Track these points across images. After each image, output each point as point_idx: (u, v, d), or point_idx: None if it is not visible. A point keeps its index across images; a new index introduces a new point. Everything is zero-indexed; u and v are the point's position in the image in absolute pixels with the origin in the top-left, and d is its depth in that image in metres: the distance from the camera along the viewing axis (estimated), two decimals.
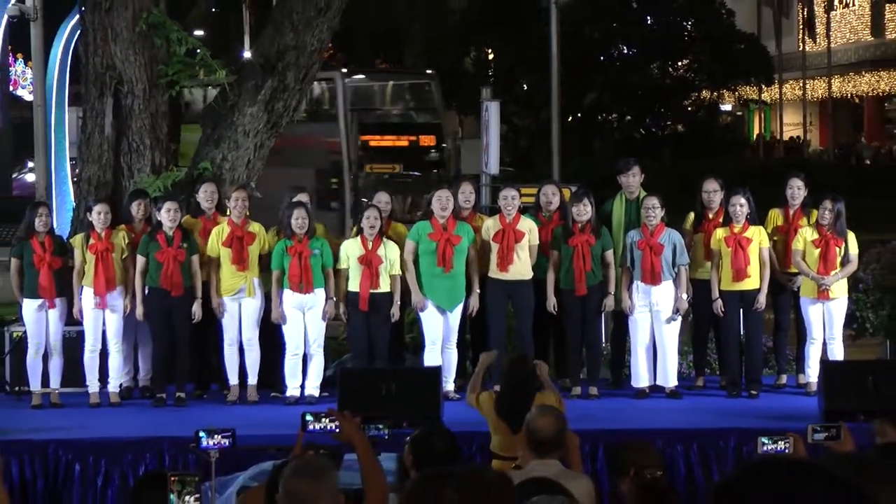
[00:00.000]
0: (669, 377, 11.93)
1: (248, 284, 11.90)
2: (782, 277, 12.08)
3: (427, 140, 26.99)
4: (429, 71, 29.65)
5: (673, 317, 11.87)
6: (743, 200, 11.88)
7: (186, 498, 5.79)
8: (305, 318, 11.82)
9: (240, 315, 11.98)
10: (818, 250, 11.79)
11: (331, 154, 25.06)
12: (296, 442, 6.56)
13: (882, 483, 2.54)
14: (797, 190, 12.29)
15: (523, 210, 12.29)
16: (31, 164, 27.23)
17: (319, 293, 11.80)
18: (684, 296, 11.87)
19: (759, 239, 11.87)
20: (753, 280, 11.86)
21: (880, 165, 47.31)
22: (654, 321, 11.87)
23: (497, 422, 8.64)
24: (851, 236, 11.95)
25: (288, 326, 11.81)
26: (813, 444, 6.71)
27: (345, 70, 26.79)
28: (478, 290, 11.86)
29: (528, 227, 11.92)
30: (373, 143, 26.28)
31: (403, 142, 26.85)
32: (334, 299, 11.83)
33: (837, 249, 11.80)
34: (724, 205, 12.09)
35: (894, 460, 6.44)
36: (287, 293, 11.76)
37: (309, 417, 6.35)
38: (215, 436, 6.77)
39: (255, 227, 12.04)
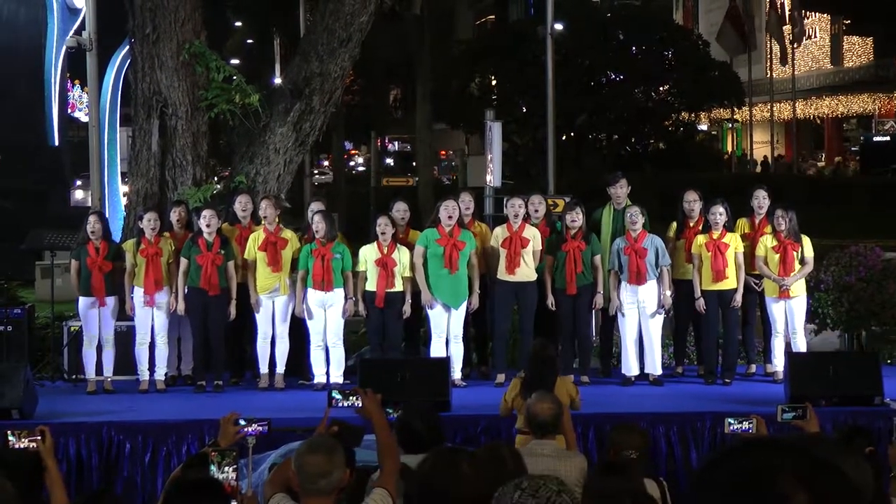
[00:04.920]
0: (655, 366, 11.93)
1: (281, 284, 11.93)
2: (750, 280, 12.10)
3: None
4: None
5: (658, 311, 11.88)
6: (722, 210, 11.90)
7: (226, 469, 5.79)
8: (326, 314, 11.84)
9: (273, 311, 12.00)
10: (778, 255, 11.83)
11: None
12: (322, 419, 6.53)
13: (842, 457, 2.53)
14: (762, 200, 12.33)
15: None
16: (78, 183, 27.18)
17: (339, 292, 11.82)
18: (668, 293, 11.88)
19: (735, 245, 11.89)
20: (731, 281, 11.88)
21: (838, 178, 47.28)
22: (641, 317, 11.88)
23: (522, 402, 8.64)
24: (806, 240, 11.98)
25: (312, 321, 11.83)
26: (782, 423, 6.70)
27: None
28: (477, 291, 11.89)
29: (533, 234, 11.95)
30: None
31: None
32: (353, 298, 11.86)
33: (795, 253, 11.84)
34: (702, 214, 12.12)
35: (855, 441, 6.51)
36: (310, 291, 11.78)
37: (337, 396, 6.29)
38: (253, 424, 6.75)
39: (287, 233, 12.07)
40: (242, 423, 6.66)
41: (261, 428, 6.78)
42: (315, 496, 4.60)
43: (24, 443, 5.83)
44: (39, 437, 5.74)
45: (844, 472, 2.08)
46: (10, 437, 5.87)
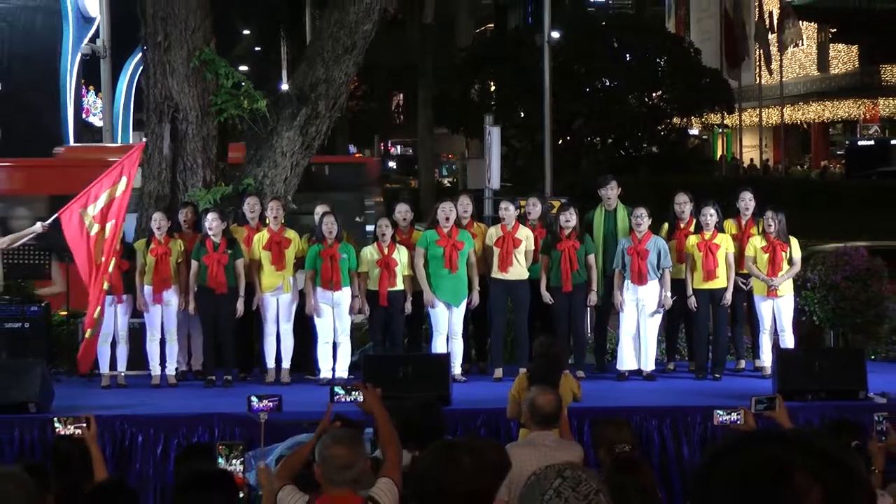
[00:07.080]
0: (649, 362, 11.96)
1: (284, 283, 11.96)
2: (738, 279, 12.12)
3: None
4: None
5: (657, 311, 11.91)
6: (712, 211, 11.94)
7: (233, 461, 5.81)
8: (334, 312, 11.87)
9: (277, 309, 12.02)
10: (767, 255, 11.86)
11: None
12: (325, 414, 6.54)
13: (844, 450, 2.53)
14: (748, 201, 12.36)
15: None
16: None
17: (346, 291, 11.85)
18: (668, 294, 11.90)
19: (726, 245, 11.92)
20: (721, 280, 11.91)
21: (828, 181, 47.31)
22: (640, 315, 11.88)
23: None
24: (794, 242, 12.02)
25: (320, 319, 11.86)
26: (756, 414, 6.80)
27: None
28: (477, 288, 11.92)
29: (525, 235, 12.00)
30: None
31: None
32: (359, 297, 11.88)
33: (783, 254, 11.87)
34: (693, 215, 12.15)
35: (841, 435, 6.57)
36: (318, 290, 11.81)
37: (339, 391, 6.30)
38: (264, 400, 6.79)
39: (290, 233, 12.10)
40: (254, 399, 6.70)
41: (271, 404, 6.80)
42: (339, 487, 4.68)
43: (69, 429, 5.89)
44: (85, 424, 5.79)
45: (852, 466, 2.05)
46: (57, 424, 5.92)
